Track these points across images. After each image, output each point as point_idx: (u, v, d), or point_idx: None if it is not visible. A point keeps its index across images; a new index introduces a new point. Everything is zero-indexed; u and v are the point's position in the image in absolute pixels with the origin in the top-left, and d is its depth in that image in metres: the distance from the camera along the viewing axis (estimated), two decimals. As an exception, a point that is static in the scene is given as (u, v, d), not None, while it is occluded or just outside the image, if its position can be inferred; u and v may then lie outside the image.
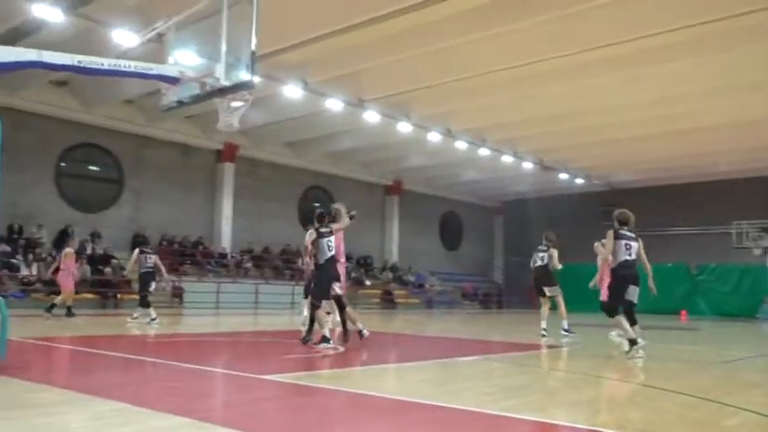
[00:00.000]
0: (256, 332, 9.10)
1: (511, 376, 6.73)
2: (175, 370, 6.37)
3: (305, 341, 8.92)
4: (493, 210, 38.70)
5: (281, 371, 6.57)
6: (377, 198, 32.07)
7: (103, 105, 20.89)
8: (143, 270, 12.80)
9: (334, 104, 19.62)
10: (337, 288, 8.70)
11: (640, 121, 21.26)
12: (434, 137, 23.20)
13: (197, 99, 7.74)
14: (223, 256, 24.31)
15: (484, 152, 25.30)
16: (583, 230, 36.01)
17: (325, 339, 8.22)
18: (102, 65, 6.44)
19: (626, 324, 8.30)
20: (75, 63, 6.22)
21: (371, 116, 20.70)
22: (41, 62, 6.01)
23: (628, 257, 8.21)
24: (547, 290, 11.03)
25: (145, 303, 12.69)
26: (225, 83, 7.32)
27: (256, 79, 7.26)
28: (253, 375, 6.02)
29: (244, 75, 7.31)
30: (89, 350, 8.15)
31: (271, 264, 25.63)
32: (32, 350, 7.96)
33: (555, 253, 11.14)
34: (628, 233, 8.36)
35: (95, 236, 21.07)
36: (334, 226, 8.97)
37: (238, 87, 7.47)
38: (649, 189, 31.20)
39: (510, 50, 16.02)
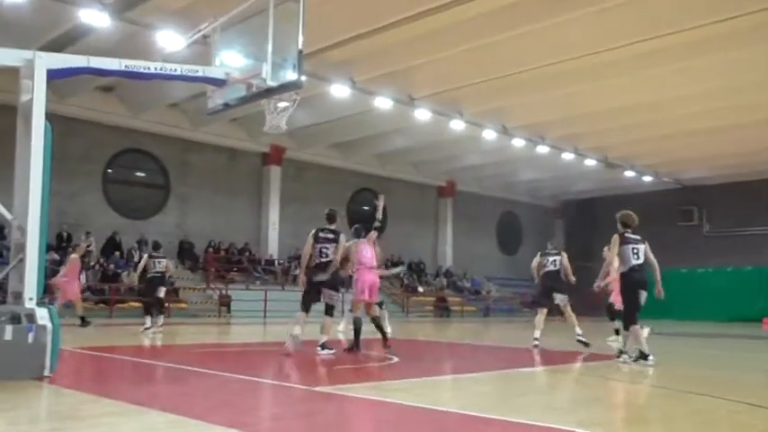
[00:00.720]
0: (305, 341, 9.18)
1: (578, 388, 6.59)
2: (225, 381, 6.48)
3: (350, 350, 9.18)
4: (553, 211, 38.16)
5: (333, 382, 6.60)
6: (429, 200, 32.00)
7: (149, 110, 21.48)
8: (150, 274, 12.60)
9: (383, 103, 19.68)
10: (329, 295, 8.85)
11: (710, 112, 20.69)
12: (489, 134, 23.04)
13: (243, 101, 7.87)
14: (270, 262, 24.65)
15: (543, 149, 25.00)
16: (654, 233, 35.28)
17: (322, 346, 8.66)
18: (149, 69, 6.62)
19: (642, 337, 8.28)
20: (123, 68, 6.42)
21: (422, 114, 20.68)
22: (90, 68, 6.22)
23: (636, 261, 8.27)
24: (558, 297, 10.93)
25: (152, 309, 12.54)
26: (271, 83, 7.43)
27: (303, 78, 7.33)
28: (304, 387, 6.07)
29: (290, 74, 7.41)
30: (136, 359, 8.37)
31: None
32: (81, 360, 8.22)
33: (566, 259, 11.15)
34: (633, 236, 8.43)
35: (142, 243, 21.62)
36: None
37: (285, 87, 7.57)
38: (725, 186, 30.28)
39: (565, 42, 15.80)
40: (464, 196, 32.47)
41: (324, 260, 8.88)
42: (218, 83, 7.66)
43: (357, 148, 26.66)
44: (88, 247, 20.35)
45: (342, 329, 12.90)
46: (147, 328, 12.18)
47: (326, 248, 9.00)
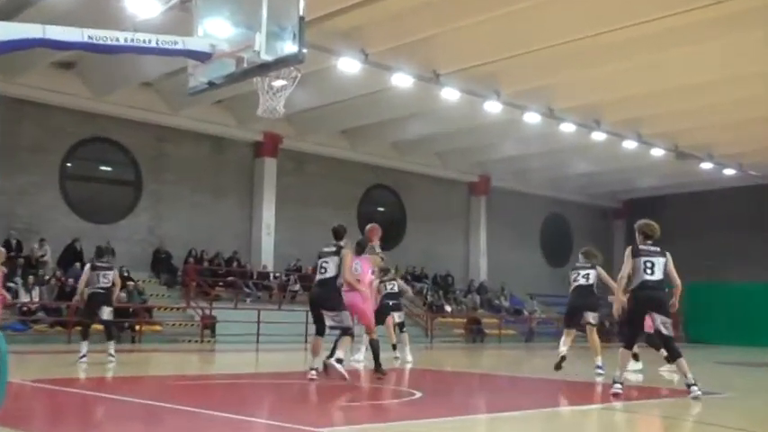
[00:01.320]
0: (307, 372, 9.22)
1: (642, 432, 6.55)
2: (209, 420, 6.51)
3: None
4: (611, 212, 37.93)
5: (343, 422, 6.61)
6: (458, 199, 32.00)
7: (117, 91, 21.62)
8: (92, 290, 12.07)
9: (402, 80, 19.69)
10: (331, 317, 9.39)
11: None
12: (532, 118, 22.99)
13: (232, 79, 7.91)
14: (264, 275, 24.74)
15: (598, 137, 24.89)
16: (741, 237, 35.28)
17: (337, 360, 9.19)
18: (117, 40, 6.65)
19: (629, 362, 8.91)
20: (86, 39, 6.45)
21: (450, 94, 20.67)
22: (46, 39, 6.26)
23: (650, 277, 8.59)
24: (590, 316, 11.54)
25: (86, 334, 12.10)
26: (266, 57, 7.45)
27: (304, 51, 7.36)
28: (306, 428, 6.09)
29: (289, 46, 7.43)
30: (104, 395, 8.44)
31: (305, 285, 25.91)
32: (36, 395, 8.30)
33: (603, 272, 11.76)
34: (651, 248, 8.78)
35: (108, 252, 21.76)
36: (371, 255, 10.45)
37: (283, 62, 7.59)
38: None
39: (625, 5, 15.73)
40: (501, 194, 32.42)
41: (322, 277, 9.43)
42: (202, 57, 7.70)
43: (370, 135, 26.70)
44: (42, 257, 20.57)
45: (359, 359, 13.11)
46: (82, 357, 11.71)
47: (326, 263, 9.57)
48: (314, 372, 9.39)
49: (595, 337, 11.64)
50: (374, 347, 9.97)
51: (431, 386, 9.29)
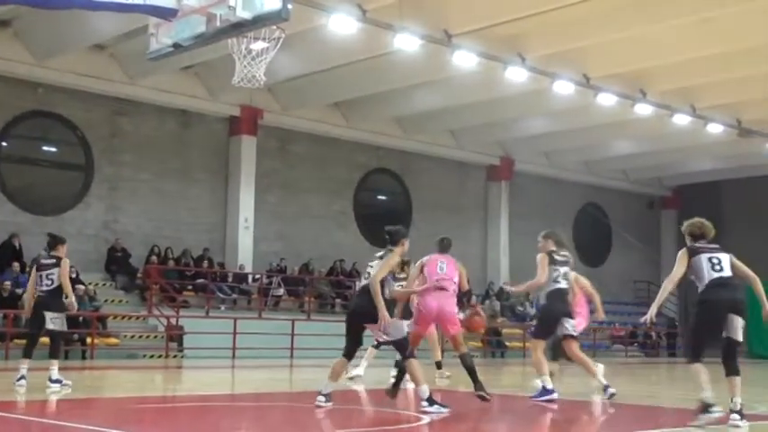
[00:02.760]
0: (293, 393, 9.23)
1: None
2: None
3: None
4: (658, 200, 37.89)
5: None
6: (474, 185, 32.02)
7: (62, 54, 21.58)
8: (37, 293, 11.71)
9: (407, 42, 19.62)
10: (380, 332, 9.33)
11: None
12: (563, 87, 22.93)
13: (202, 40, 7.93)
14: (241, 278, 24.74)
15: (643, 110, 24.82)
16: None
17: (429, 400, 9.06)
18: (65, -7, 6.67)
19: (704, 378, 8.51)
20: (25, -9, 6.47)
21: (464, 58, 20.61)
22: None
23: (719, 274, 8.58)
24: (568, 323, 11.73)
25: (28, 350, 11.69)
26: (243, 14, 7.48)
27: (289, 6, 7.35)
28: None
29: (271, 1, 7.44)
30: (45, 421, 8.45)
31: (314, 290, 25.93)
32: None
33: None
34: (709, 245, 8.87)
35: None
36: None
37: (263, 20, 7.62)
38: None
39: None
40: (525, 180, 32.42)
41: (365, 283, 9.62)
42: (166, 13, 7.72)
43: (369, 109, 26.68)
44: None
45: (358, 374, 13.33)
46: (19, 379, 11.30)
47: (371, 268, 10.16)
48: (323, 398, 9.22)
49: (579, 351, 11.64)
50: (468, 364, 10.12)
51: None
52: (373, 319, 9.05)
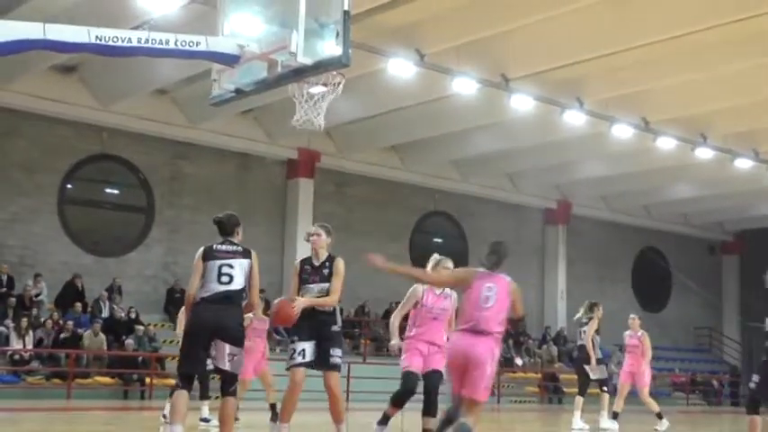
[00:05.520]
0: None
1: None
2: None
3: None
4: (720, 245, 37.25)
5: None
6: (531, 228, 31.79)
7: (125, 99, 21.92)
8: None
9: (465, 85, 19.68)
10: None
11: None
12: (622, 131, 22.78)
13: (263, 86, 8.00)
14: (298, 320, 24.79)
15: (704, 153, 24.53)
16: None
17: None
18: (131, 41, 6.80)
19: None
20: (93, 40, 6.60)
21: (522, 102, 20.60)
22: (47, 41, 6.41)
23: None
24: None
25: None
26: (304, 60, 7.53)
27: (350, 52, 7.41)
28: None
29: (331, 46, 7.50)
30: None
31: (370, 332, 25.86)
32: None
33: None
34: None
35: (113, 291, 22.05)
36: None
37: (324, 66, 7.67)
38: None
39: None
40: (583, 224, 32.15)
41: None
42: (228, 60, 7.81)
43: (426, 152, 26.70)
44: (37, 296, 20.86)
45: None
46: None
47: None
48: None
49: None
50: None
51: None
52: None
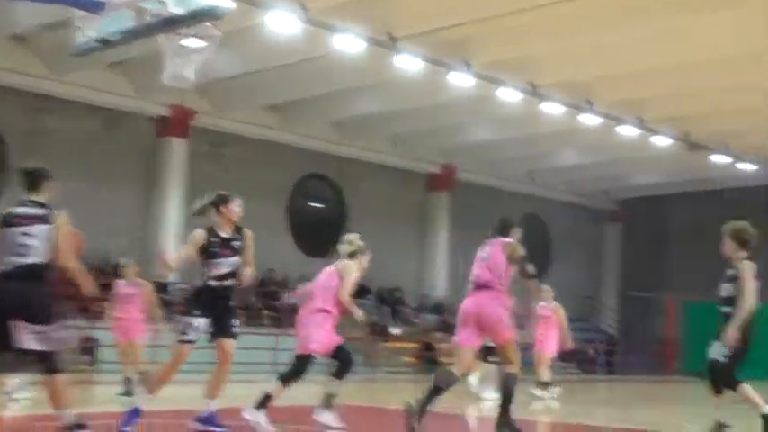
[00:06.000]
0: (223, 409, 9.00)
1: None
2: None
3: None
4: (603, 214, 38.37)
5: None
6: (414, 195, 32.04)
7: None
8: None
9: (350, 44, 19.58)
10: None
11: None
12: (509, 95, 23.10)
13: (131, 36, 7.73)
14: (162, 288, 24.36)
15: (590, 120, 25.12)
16: (758, 254, 35.50)
17: None
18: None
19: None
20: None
21: (408, 62, 20.63)
22: None
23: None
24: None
25: None
26: (175, 9, 7.31)
27: (228, 3, 7.18)
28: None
29: (207, -4, 7.29)
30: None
31: (240, 301, 25.62)
32: None
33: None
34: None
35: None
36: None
37: (198, 16, 7.44)
38: None
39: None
40: (467, 190, 32.52)
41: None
42: (93, 6, 7.51)
43: (306, 113, 26.52)
44: None
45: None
46: None
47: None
48: None
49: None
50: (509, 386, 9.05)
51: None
52: None
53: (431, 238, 32.29)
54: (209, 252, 8.60)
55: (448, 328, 29.81)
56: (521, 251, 9.24)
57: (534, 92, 23.23)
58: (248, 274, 8.87)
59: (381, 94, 24.51)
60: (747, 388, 8.69)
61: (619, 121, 25.77)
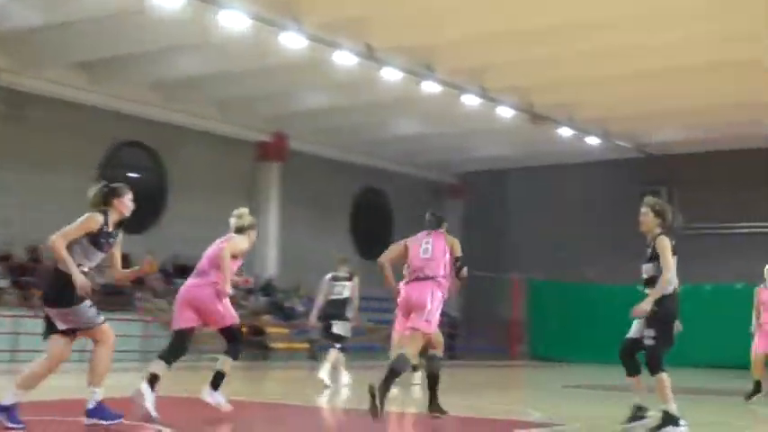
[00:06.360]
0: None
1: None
2: None
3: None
4: (445, 188, 39.01)
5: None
6: (242, 165, 31.84)
7: None
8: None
9: (167, -4, 19.28)
10: None
11: (693, 40, 21.93)
12: (345, 59, 23.14)
13: None
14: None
15: (431, 87, 25.35)
16: (601, 228, 36.83)
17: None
18: None
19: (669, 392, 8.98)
20: None
21: (234, 19, 20.43)
22: None
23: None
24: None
25: None
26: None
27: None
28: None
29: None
30: None
31: (43, 281, 24.95)
32: None
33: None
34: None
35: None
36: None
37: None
38: (713, 157, 32.25)
39: None
40: (300, 160, 32.48)
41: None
42: None
43: (120, 72, 25.97)
44: None
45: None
46: None
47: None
48: None
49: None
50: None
51: (181, 419, 9.18)
52: None
53: (261, 212, 32.03)
54: (96, 243, 8.52)
55: (279, 311, 29.88)
56: (459, 249, 10.16)
57: (371, 56, 23.31)
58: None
59: (205, 55, 24.14)
60: (667, 379, 8.91)
61: (461, 89, 26.15)
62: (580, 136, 31.22)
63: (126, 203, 8.73)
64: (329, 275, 15.94)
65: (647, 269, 9.30)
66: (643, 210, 9.52)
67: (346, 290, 15.77)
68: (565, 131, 30.55)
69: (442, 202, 38.64)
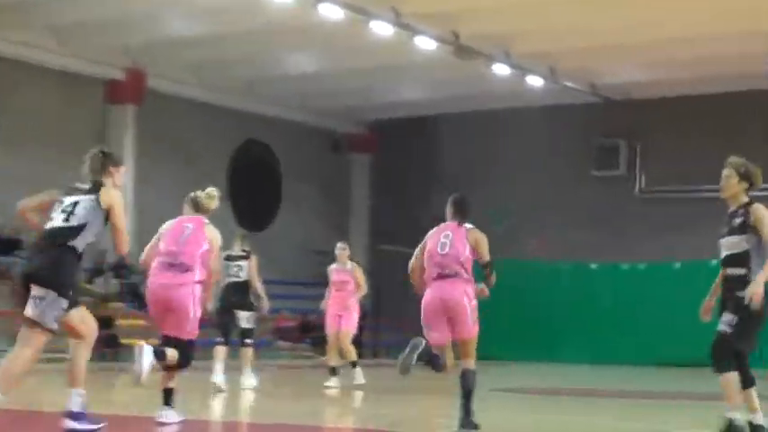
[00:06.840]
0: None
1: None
2: None
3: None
4: (347, 140, 39.04)
5: None
6: (89, 108, 31.55)
7: None
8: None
9: None
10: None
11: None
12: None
13: None
14: None
15: (328, 11, 25.17)
16: (546, 191, 36.74)
17: None
18: None
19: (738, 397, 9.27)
20: None
21: None
22: None
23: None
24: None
25: None
26: None
27: None
28: None
29: None
30: None
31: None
32: None
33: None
34: None
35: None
36: None
37: None
38: (681, 102, 32.65)
39: None
40: (162, 103, 32.33)
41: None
42: None
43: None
44: None
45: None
46: None
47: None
48: None
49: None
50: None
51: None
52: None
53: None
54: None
55: (135, 297, 29.61)
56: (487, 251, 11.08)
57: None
58: None
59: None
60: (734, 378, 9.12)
61: (369, 14, 25.87)
62: (519, 74, 31.07)
63: (122, 174, 10.04)
64: (222, 254, 16.08)
65: (731, 243, 9.42)
66: (726, 172, 9.69)
67: (243, 271, 16.60)
68: (500, 69, 30.31)
69: (344, 159, 38.56)
